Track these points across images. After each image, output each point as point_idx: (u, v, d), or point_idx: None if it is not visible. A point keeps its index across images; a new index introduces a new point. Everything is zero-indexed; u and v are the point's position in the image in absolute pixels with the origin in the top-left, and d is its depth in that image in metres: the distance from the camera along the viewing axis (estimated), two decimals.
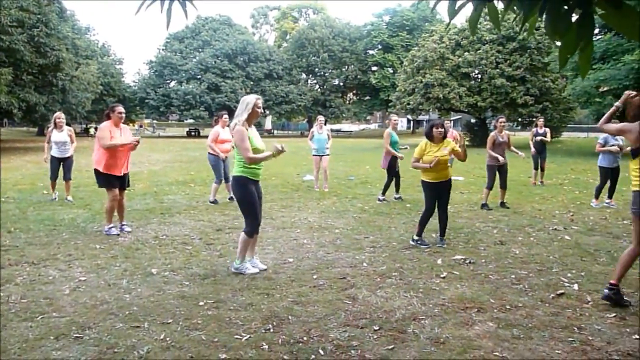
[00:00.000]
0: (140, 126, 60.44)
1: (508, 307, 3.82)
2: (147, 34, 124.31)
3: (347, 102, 57.15)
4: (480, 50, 29.08)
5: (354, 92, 57.68)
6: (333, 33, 51.80)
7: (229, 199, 8.72)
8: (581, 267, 4.92)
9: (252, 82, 48.76)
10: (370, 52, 53.31)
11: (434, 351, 3.07)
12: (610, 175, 8.38)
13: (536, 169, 11.49)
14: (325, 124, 10.79)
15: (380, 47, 51.89)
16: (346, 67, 53.15)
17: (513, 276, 4.62)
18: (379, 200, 9.06)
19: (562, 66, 2.01)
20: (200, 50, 49.58)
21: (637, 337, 3.28)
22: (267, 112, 49.95)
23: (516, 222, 7.20)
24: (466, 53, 29.39)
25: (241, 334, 3.30)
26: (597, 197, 8.57)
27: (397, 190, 9.32)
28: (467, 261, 5.13)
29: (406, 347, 3.13)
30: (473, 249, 5.67)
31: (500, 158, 8.25)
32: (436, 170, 5.74)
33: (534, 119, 16.27)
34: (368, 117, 68.90)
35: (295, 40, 53.27)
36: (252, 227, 4.70)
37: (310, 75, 56.17)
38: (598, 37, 20.23)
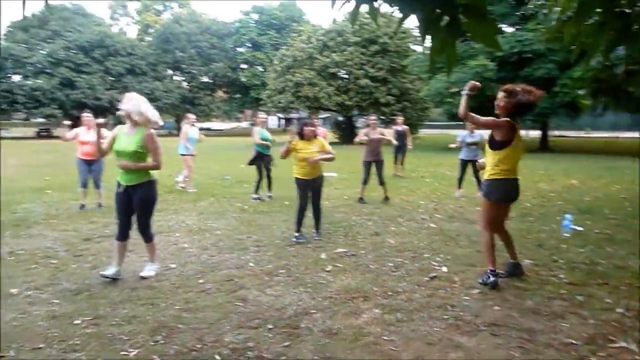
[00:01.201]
0: None
1: (390, 293, 4.10)
2: None
3: (217, 99, 55.95)
4: (345, 52, 30.50)
5: (224, 89, 56.66)
6: (200, 29, 50.29)
7: (99, 205, 8.15)
8: (447, 251, 5.45)
9: (112, 78, 45.29)
10: (239, 49, 52.82)
11: (329, 343, 3.18)
12: (468, 167, 9.36)
13: (395, 162, 12.56)
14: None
15: (249, 44, 51.68)
16: (215, 64, 51.98)
17: (391, 264, 4.96)
18: (253, 199, 9.07)
19: (431, 67, 2.27)
20: (49, 41, 44.62)
21: (498, 308, 3.74)
22: None
23: (388, 214, 7.72)
24: (333, 54, 30.61)
25: (128, 349, 3.08)
26: (459, 186, 9.52)
27: (269, 189, 9.33)
28: (349, 253, 5.38)
29: (301, 342, 3.20)
30: (352, 242, 5.96)
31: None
32: (308, 167, 6.01)
33: (395, 117, 17.59)
34: (239, 115, 68.26)
35: (160, 35, 50.63)
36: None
37: (177, 72, 53.87)
38: None
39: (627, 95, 3.01)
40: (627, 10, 2.74)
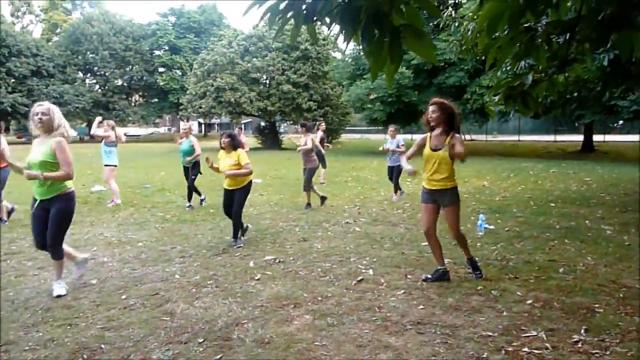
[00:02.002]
0: None
1: (320, 298, 4.15)
2: None
3: (133, 104, 53.54)
4: (267, 57, 30.51)
5: (140, 93, 54.40)
6: (114, 29, 47.91)
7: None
8: (373, 254, 5.62)
9: (14, 80, 41.84)
10: (157, 52, 50.98)
11: (261, 352, 3.16)
12: (392, 172, 9.65)
13: (324, 167, 12.53)
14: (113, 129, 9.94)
15: (167, 48, 50.04)
16: (130, 67, 49.75)
17: (319, 269, 5.03)
18: (187, 207, 8.85)
19: (373, 78, 2.39)
20: None
21: (422, 307, 3.92)
22: None
23: (314, 219, 7.81)
24: (254, 59, 30.49)
25: None
26: (395, 191, 9.74)
27: (188, 199, 8.93)
28: (277, 260, 5.38)
29: (234, 353, 3.16)
30: (280, 248, 5.96)
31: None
32: (227, 177, 6.13)
33: (317, 122, 17.77)
34: (157, 121, 65.83)
35: (69, 35, 47.57)
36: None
37: (89, 75, 50.94)
38: None
39: (534, 101, 3.33)
40: (533, 26, 3.03)
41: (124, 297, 4.26)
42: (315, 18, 2.09)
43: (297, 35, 2.28)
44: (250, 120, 49.50)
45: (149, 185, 12.21)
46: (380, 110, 22.51)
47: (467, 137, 36.95)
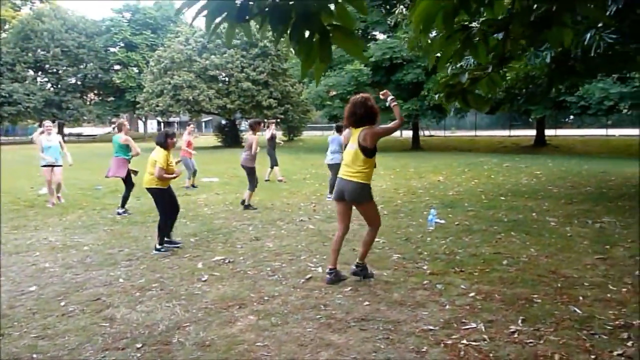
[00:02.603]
0: None
1: (266, 298, 4.12)
2: None
3: (88, 103, 51.79)
4: (226, 54, 30.12)
5: (95, 92, 52.65)
6: (66, 26, 46.11)
7: None
8: (324, 251, 5.61)
9: None
10: (112, 49, 49.41)
11: (201, 355, 3.11)
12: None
13: (276, 165, 12.38)
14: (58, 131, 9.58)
15: (122, 44, 48.59)
16: (84, 64, 48.02)
17: (269, 269, 4.99)
18: (119, 214, 8.16)
19: (303, 77, 2.39)
20: None
21: (368, 303, 3.95)
22: None
23: (269, 218, 7.76)
24: (213, 56, 30.05)
25: None
26: (330, 191, 9.69)
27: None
28: (227, 261, 5.31)
29: (173, 357, 3.09)
30: (231, 248, 5.89)
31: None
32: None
33: (267, 121, 17.63)
34: (113, 120, 64.03)
35: (18, 32, 45.45)
36: None
37: (40, 73, 48.85)
38: None
39: (474, 98, 3.39)
40: (470, 25, 3.08)
41: (62, 303, 4.11)
42: (247, 17, 2.07)
43: (232, 36, 2.24)
44: (210, 118, 48.85)
45: (101, 187, 11.83)
46: (339, 107, 22.61)
47: (426, 132, 37.60)
